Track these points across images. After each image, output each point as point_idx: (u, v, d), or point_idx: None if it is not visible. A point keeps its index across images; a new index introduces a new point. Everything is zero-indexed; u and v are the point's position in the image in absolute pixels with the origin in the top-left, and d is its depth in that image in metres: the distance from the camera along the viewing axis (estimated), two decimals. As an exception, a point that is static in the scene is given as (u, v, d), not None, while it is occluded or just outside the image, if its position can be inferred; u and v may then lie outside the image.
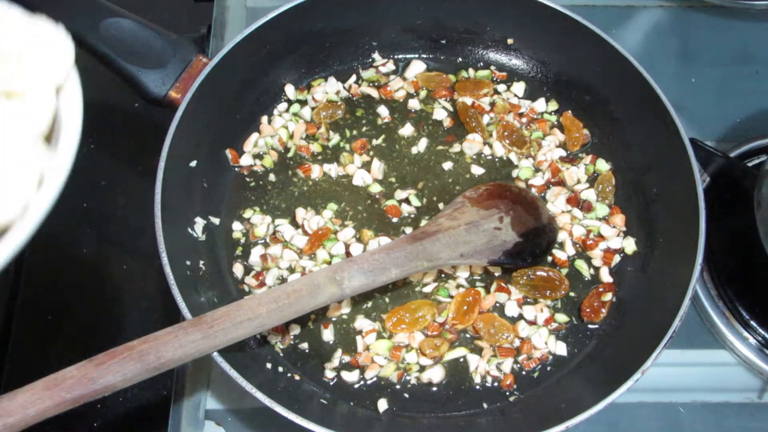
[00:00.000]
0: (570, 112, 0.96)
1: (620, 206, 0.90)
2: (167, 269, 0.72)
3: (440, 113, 0.95)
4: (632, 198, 0.90)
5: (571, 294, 0.85)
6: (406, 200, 0.89)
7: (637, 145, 0.90)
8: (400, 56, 1.00)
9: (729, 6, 1.11)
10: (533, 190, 0.91)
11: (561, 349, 0.82)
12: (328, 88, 0.97)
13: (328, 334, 0.81)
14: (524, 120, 0.96)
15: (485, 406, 0.79)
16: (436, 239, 0.78)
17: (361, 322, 0.82)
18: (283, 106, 0.96)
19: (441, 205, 0.89)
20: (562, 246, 0.88)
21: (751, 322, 0.87)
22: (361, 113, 0.96)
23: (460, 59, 1.00)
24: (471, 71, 0.99)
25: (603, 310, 0.83)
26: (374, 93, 0.97)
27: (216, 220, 0.87)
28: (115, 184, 0.97)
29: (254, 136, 0.93)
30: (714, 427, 0.84)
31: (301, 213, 0.87)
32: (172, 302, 0.71)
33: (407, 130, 0.94)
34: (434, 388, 0.80)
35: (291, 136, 0.93)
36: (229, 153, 0.91)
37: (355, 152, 0.92)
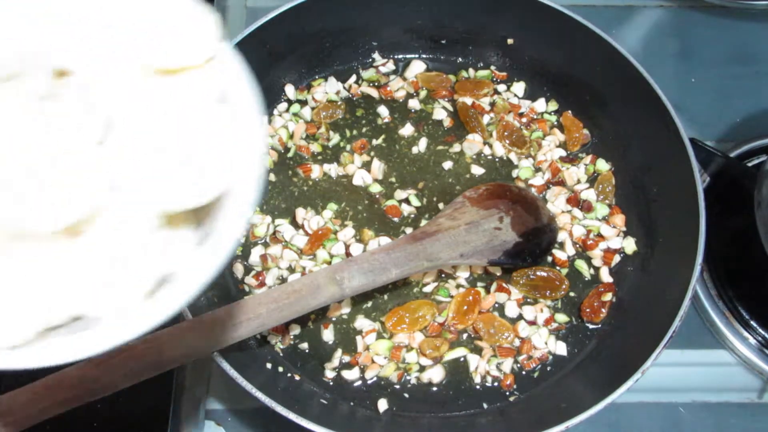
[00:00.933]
0: (570, 112, 0.96)
1: (620, 206, 0.90)
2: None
3: (440, 113, 0.95)
4: (632, 198, 0.90)
5: (571, 294, 0.85)
6: (406, 200, 0.89)
7: (637, 145, 0.90)
8: (400, 56, 1.00)
9: (729, 6, 1.11)
10: (533, 190, 0.91)
11: (561, 349, 0.82)
12: (328, 88, 0.97)
13: (328, 334, 0.81)
14: (524, 120, 0.96)
15: (485, 406, 0.79)
16: (435, 239, 0.78)
17: (361, 322, 0.82)
18: (283, 106, 0.96)
19: (441, 205, 0.89)
20: (562, 246, 0.88)
21: (751, 322, 0.87)
22: (361, 113, 0.96)
23: (460, 59, 1.00)
24: (471, 71, 0.99)
25: (603, 310, 0.83)
26: (374, 93, 0.97)
27: (216, 220, 0.87)
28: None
29: (254, 136, 0.93)
30: (714, 427, 0.84)
31: (301, 213, 0.87)
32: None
33: (407, 130, 0.94)
34: (434, 388, 0.80)
35: (291, 136, 0.93)
36: (229, 153, 0.91)
37: (355, 152, 0.92)
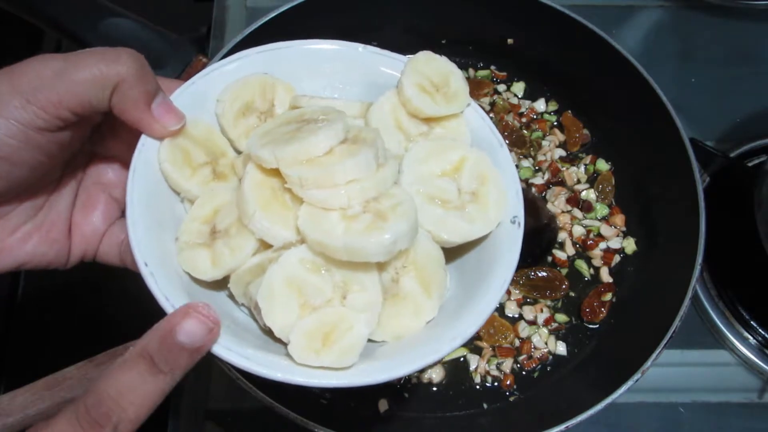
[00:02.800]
0: (570, 112, 0.96)
1: (620, 206, 0.90)
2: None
3: (440, 113, 0.95)
4: (632, 198, 0.90)
5: (571, 294, 0.85)
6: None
7: (637, 145, 0.90)
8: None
9: (729, 6, 1.11)
10: (533, 190, 0.91)
11: (561, 349, 0.82)
12: (328, 88, 0.97)
13: (328, 334, 0.81)
14: (524, 120, 0.96)
15: (485, 406, 0.79)
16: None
17: (361, 322, 0.81)
18: (283, 106, 0.96)
19: (441, 205, 0.89)
20: (562, 246, 0.88)
21: (751, 322, 0.87)
22: (361, 113, 0.96)
23: (460, 59, 1.00)
24: (471, 71, 0.99)
25: (603, 310, 0.83)
26: (374, 93, 0.97)
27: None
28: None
29: (254, 136, 0.93)
30: (714, 427, 0.84)
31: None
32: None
33: (407, 130, 0.94)
34: (434, 388, 0.80)
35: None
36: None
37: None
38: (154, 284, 0.45)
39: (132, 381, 0.41)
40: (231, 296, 0.51)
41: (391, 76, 0.57)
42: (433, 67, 0.57)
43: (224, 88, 0.55)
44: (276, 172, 0.47)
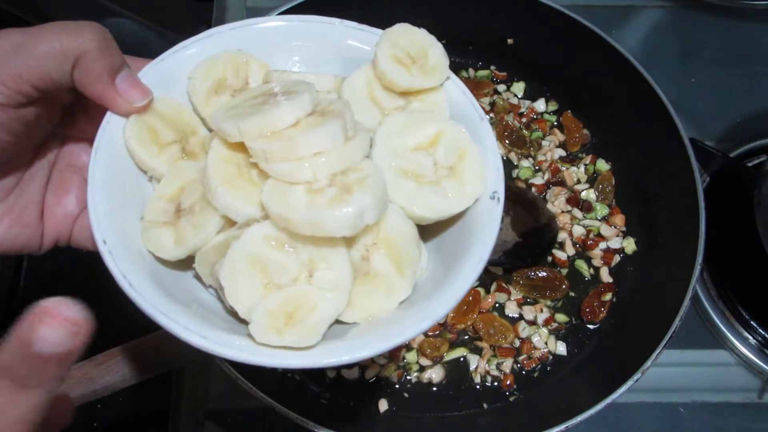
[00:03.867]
0: (570, 112, 0.96)
1: (620, 206, 0.90)
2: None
3: (440, 113, 0.95)
4: (632, 198, 0.90)
5: (571, 294, 0.85)
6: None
7: (637, 145, 0.90)
8: (400, 56, 1.00)
9: (729, 6, 1.11)
10: (533, 190, 0.91)
11: (561, 349, 0.82)
12: (328, 88, 0.97)
13: (328, 334, 0.81)
14: (524, 120, 0.96)
15: (485, 406, 0.79)
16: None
17: (361, 322, 0.81)
18: (283, 106, 0.96)
19: (441, 205, 0.89)
20: (562, 246, 0.88)
21: (751, 322, 0.87)
22: (361, 113, 0.96)
23: (460, 59, 1.00)
24: (471, 71, 0.99)
25: (603, 310, 0.83)
26: (374, 93, 0.97)
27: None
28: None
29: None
30: (714, 427, 0.84)
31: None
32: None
33: (407, 130, 0.94)
34: (434, 388, 0.80)
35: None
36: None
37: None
38: (112, 262, 0.43)
39: None
40: (198, 277, 0.50)
41: (369, 52, 0.55)
42: (409, 39, 0.55)
43: (196, 65, 0.53)
44: (242, 148, 0.46)
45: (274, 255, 0.45)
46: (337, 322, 0.46)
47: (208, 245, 0.46)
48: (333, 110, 0.46)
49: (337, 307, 0.45)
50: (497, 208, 0.48)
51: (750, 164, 0.96)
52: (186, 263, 0.49)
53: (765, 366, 0.86)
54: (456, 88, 0.54)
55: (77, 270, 0.90)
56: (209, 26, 1.07)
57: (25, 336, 0.36)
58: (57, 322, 0.37)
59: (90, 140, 0.51)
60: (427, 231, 0.51)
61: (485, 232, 0.48)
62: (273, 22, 0.56)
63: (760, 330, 0.87)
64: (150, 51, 0.87)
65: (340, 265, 0.45)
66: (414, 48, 0.55)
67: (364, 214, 0.43)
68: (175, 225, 0.48)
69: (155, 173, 0.50)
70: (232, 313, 0.46)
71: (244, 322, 0.44)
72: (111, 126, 0.49)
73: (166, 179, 0.49)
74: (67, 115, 0.52)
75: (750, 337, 0.87)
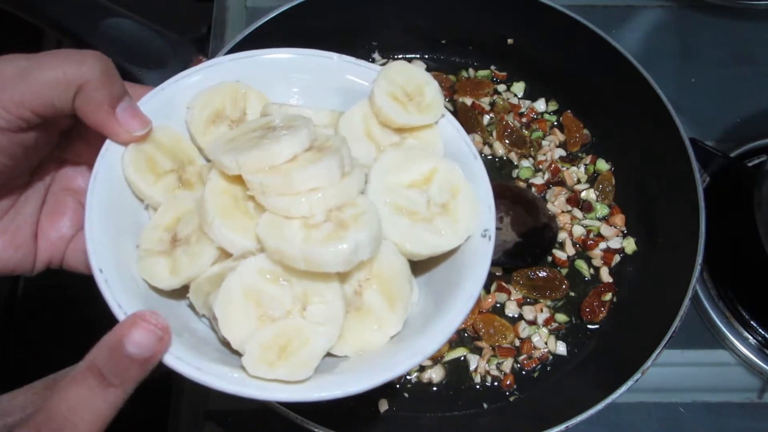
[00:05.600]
0: (570, 112, 0.96)
1: (620, 206, 0.90)
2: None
3: (440, 113, 0.95)
4: (632, 198, 0.90)
5: (571, 294, 0.85)
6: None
7: (637, 145, 0.90)
8: (401, 56, 1.00)
9: (729, 6, 1.11)
10: (533, 190, 0.91)
11: (561, 349, 0.82)
12: (328, 88, 0.97)
13: (328, 334, 0.81)
14: (524, 120, 0.96)
15: (485, 406, 0.79)
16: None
17: (361, 322, 0.81)
18: (283, 106, 0.96)
19: (441, 205, 0.89)
20: (562, 246, 0.88)
21: (751, 322, 0.87)
22: (361, 113, 0.96)
23: (460, 59, 1.00)
24: (471, 71, 0.99)
25: (603, 310, 0.83)
26: (374, 93, 0.97)
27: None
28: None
29: (254, 136, 0.93)
30: (714, 427, 0.84)
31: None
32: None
33: (407, 130, 0.94)
34: (434, 388, 0.80)
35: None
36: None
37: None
38: (108, 291, 0.44)
39: (82, 396, 0.40)
40: (191, 307, 0.50)
41: (366, 87, 0.56)
42: (406, 76, 0.56)
43: (195, 95, 0.54)
44: (240, 180, 0.46)
45: (269, 288, 0.45)
46: (328, 354, 0.46)
47: (203, 276, 0.47)
48: (330, 146, 0.47)
49: (330, 340, 0.45)
50: (488, 246, 0.49)
51: (750, 164, 0.96)
52: (180, 293, 0.49)
53: (765, 366, 0.86)
54: (450, 125, 0.55)
55: (76, 273, 0.90)
56: (209, 26, 1.07)
57: (117, 337, 0.40)
58: (149, 326, 0.40)
59: (86, 164, 0.52)
60: (418, 266, 0.52)
61: (476, 269, 0.49)
62: (273, 54, 0.56)
63: (760, 330, 0.87)
64: (150, 51, 0.87)
65: (333, 299, 0.46)
66: (411, 85, 0.55)
67: (359, 250, 0.43)
68: (170, 255, 0.48)
69: (152, 201, 0.51)
70: (225, 343, 0.46)
71: (237, 353, 0.45)
72: (110, 154, 0.49)
73: (163, 208, 0.50)
74: (65, 138, 0.53)
75: (750, 337, 0.87)
